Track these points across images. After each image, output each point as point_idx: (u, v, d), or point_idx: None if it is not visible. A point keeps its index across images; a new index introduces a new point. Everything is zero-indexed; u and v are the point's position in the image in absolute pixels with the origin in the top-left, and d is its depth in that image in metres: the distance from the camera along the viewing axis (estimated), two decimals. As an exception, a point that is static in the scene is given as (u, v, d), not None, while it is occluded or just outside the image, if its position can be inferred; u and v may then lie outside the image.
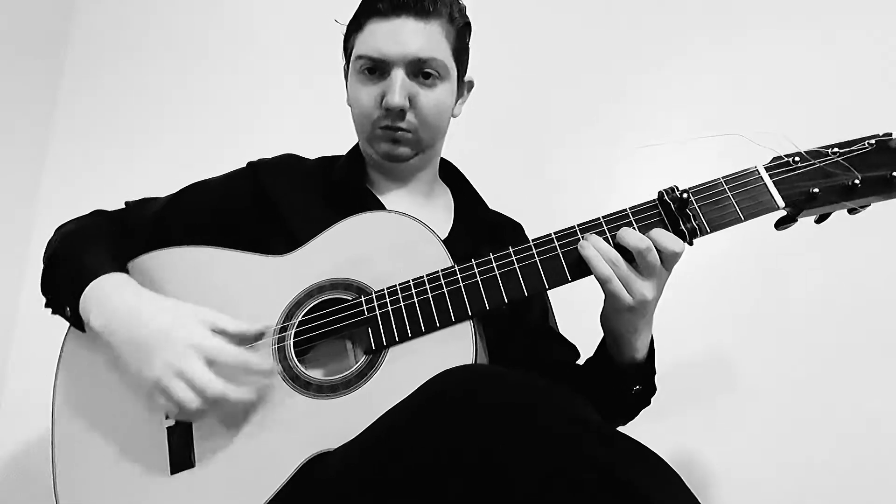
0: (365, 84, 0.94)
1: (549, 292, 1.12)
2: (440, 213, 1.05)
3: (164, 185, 1.05)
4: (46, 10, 1.69)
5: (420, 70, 0.92)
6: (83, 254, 0.87)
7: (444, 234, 1.00)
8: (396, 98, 0.90)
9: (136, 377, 0.78)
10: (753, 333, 1.36)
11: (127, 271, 0.87)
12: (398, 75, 0.91)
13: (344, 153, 1.07)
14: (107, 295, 0.81)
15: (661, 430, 1.22)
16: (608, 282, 0.77)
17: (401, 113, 0.92)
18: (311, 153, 1.08)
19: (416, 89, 0.93)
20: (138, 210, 1.00)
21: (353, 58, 0.95)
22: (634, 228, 0.79)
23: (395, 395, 0.69)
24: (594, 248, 0.77)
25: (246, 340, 0.82)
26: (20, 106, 1.59)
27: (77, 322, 0.84)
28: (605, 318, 0.85)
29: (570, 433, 0.59)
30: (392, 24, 0.91)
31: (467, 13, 1.00)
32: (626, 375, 0.86)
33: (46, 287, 0.89)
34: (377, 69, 0.92)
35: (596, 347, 0.92)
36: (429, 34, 0.92)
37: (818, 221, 0.84)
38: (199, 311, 0.80)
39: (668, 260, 0.77)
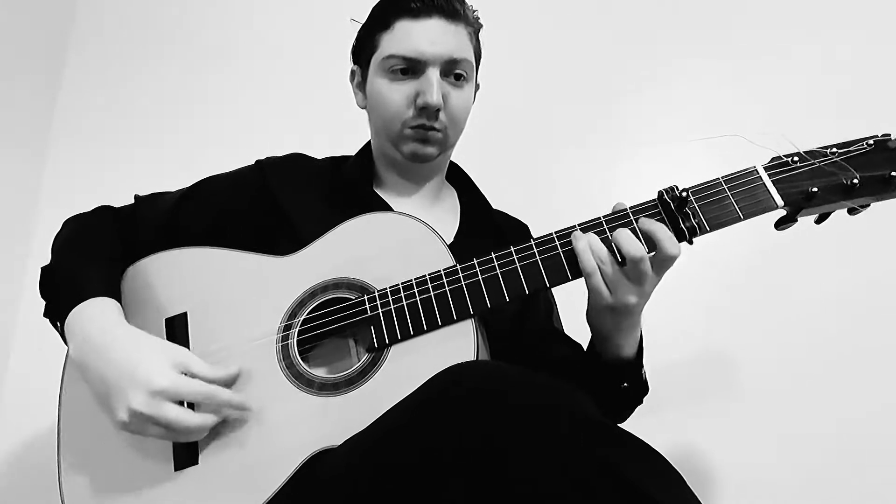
0: (394, 83, 0.94)
1: (554, 294, 1.13)
2: (447, 214, 1.06)
3: (166, 183, 1.06)
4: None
5: (451, 70, 0.94)
6: (75, 270, 0.86)
7: (450, 236, 1.01)
8: (435, 97, 0.91)
9: (110, 416, 0.77)
10: (754, 331, 1.36)
11: (118, 288, 0.87)
12: (434, 75, 0.92)
13: (347, 154, 1.08)
14: (86, 326, 0.80)
15: (660, 426, 1.22)
16: (591, 275, 0.78)
17: (436, 112, 0.93)
18: (316, 153, 1.09)
19: (447, 89, 0.94)
20: (150, 205, 1.00)
21: (379, 57, 0.95)
22: (635, 228, 0.79)
23: (397, 393, 0.69)
24: (586, 241, 0.78)
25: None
26: (21, 103, 1.59)
27: (66, 341, 0.84)
28: (589, 316, 0.86)
29: (579, 432, 0.59)
30: (425, 24, 0.92)
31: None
32: (612, 372, 0.87)
33: (42, 292, 0.90)
34: (410, 69, 0.93)
35: (587, 344, 0.93)
36: (459, 35, 0.94)
37: (818, 221, 0.84)
38: (171, 352, 0.78)
39: (664, 263, 0.78)
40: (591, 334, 0.89)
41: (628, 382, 0.87)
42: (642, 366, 0.89)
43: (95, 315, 0.81)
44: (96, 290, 0.83)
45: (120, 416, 0.75)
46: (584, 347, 1.03)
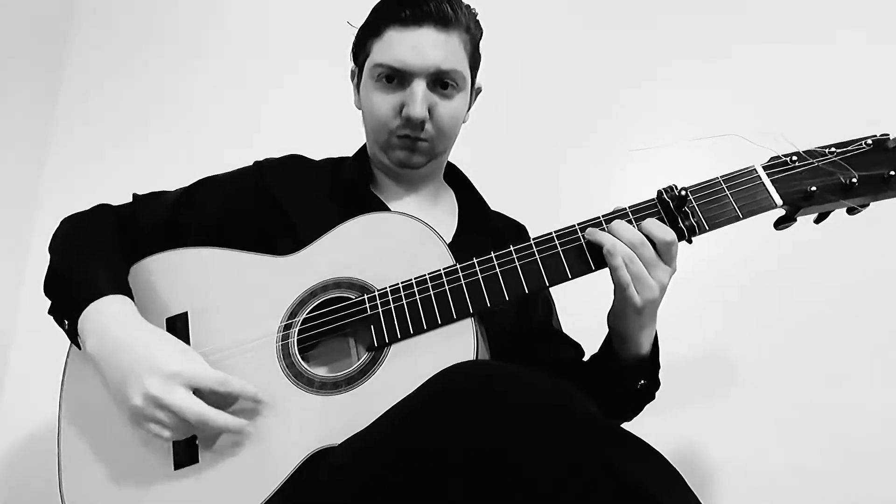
0: (382, 92, 0.94)
1: (553, 295, 1.13)
2: (445, 215, 1.06)
3: (165, 182, 1.06)
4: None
5: (439, 81, 0.93)
6: (85, 267, 0.86)
7: (448, 237, 1.01)
8: (418, 110, 0.90)
9: (122, 406, 0.78)
10: (754, 330, 1.36)
11: (128, 285, 0.87)
12: (420, 87, 0.91)
13: (348, 154, 1.09)
14: (106, 324, 0.80)
15: (660, 426, 1.21)
16: (626, 288, 0.78)
17: (421, 124, 0.93)
18: (315, 153, 1.09)
19: (434, 100, 0.93)
20: (148, 204, 1.00)
21: (370, 64, 0.95)
22: (632, 223, 0.80)
23: (397, 391, 0.69)
24: (621, 259, 0.78)
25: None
26: (21, 102, 1.59)
27: (73, 336, 0.84)
28: (613, 318, 0.86)
29: (579, 432, 0.59)
30: (414, 33, 0.90)
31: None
32: (631, 371, 0.87)
33: (48, 290, 0.89)
34: (396, 78, 0.92)
35: (601, 345, 0.93)
36: (449, 45, 0.92)
37: (817, 221, 0.85)
38: (187, 349, 0.80)
39: (663, 251, 0.79)
40: (608, 336, 0.90)
41: (646, 379, 0.88)
42: (659, 363, 0.90)
43: (114, 313, 0.81)
44: (110, 287, 0.83)
45: (134, 401, 0.75)
46: (585, 349, 1.04)
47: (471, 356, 0.76)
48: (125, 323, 0.80)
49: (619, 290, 0.80)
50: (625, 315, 0.83)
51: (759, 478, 1.28)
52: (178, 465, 0.79)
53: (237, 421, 0.76)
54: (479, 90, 1.06)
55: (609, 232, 0.80)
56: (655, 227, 0.79)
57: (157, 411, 0.75)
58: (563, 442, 0.58)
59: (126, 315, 0.81)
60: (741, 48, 1.53)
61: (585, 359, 1.00)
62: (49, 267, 0.90)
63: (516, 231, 1.13)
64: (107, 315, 0.81)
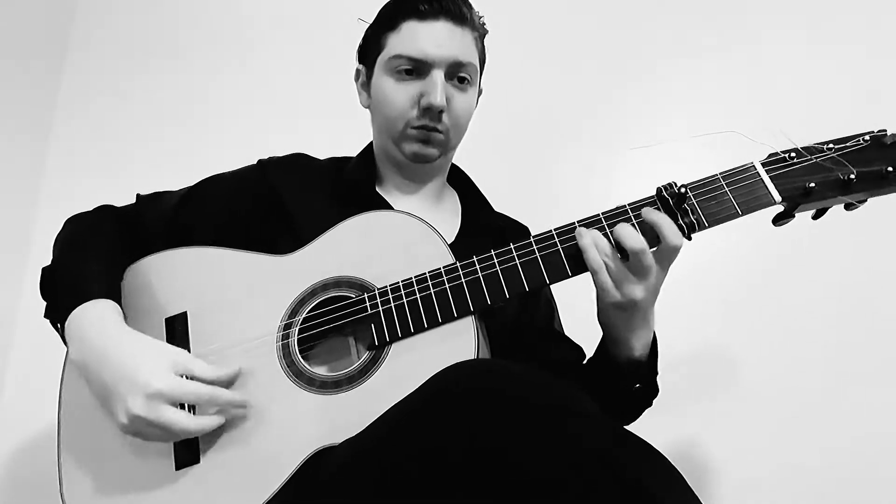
0: (399, 83, 0.95)
1: (555, 297, 1.13)
2: (448, 216, 1.07)
3: (167, 182, 1.06)
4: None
5: (456, 73, 0.94)
6: (75, 270, 0.86)
7: (451, 238, 1.01)
8: (439, 98, 0.91)
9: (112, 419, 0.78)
10: (753, 329, 1.36)
11: (119, 290, 0.87)
12: (439, 76, 0.92)
13: (349, 154, 1.08)
14: (86, 329, 0.80)
15: (660, 425, 1.22)
16: (597, 272, 0.78)
17: (439, 114, 0.94)
18: (318, 154, 1.09)
19: (451, 91, 0.95)
20: (152, 204, 1.00)
21: (385, 57, 0.95)
22: (634, 225, 0.79)
23: (397, 390, 0.69)
24: (590, 238, 0.78)
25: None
26: (21, 102, 1.59)
27: (66, 340, 0.84)
28: (600, 314, 0.86)
29: (579, 430, 0.60)
30: (432, 26, 0.92)
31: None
32: (624, 373, 0.86)
33: (42, 292, 0.89)
34: (415, 70, 0.93)
35: (597, 346, 0.92)
36: (464, 39, 0.94)
37: (815, 217, 0.85)
38: (170, 355, 0.78)
39: (668, 255, 0.78)
40: (601, 335, 0.89)
41: (641, 384, 0.87)
42: (657, 369, 0.89)
43: (95, 318, 0.81)
44: (96, 291, 0.83)
45: (120, 420, 0.75)
46: (586, 351, 1.04)
47: (471, 355, 0.76)
48: (103, 331, 0.80)
49: (592, 275, 0.79)
50: (608, 310, 0.82)
51: (759, 477, 1.28)
52: (179, 466, 0.79)
53: (235, 410, 0.78)
54: (480, 92, 1.07)
55: (614, 236, 0.78)
56: (669, 230, 0.77)
57: (146, 427, 0.75)
58: (563, 441, 0.58)
59: (105, 321, 0.81)
60: (740, 46, 1.53)
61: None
62: (44, 269, 0.90)
63: (520, 233, 1.13)
64: (89, 321, 0.81)
